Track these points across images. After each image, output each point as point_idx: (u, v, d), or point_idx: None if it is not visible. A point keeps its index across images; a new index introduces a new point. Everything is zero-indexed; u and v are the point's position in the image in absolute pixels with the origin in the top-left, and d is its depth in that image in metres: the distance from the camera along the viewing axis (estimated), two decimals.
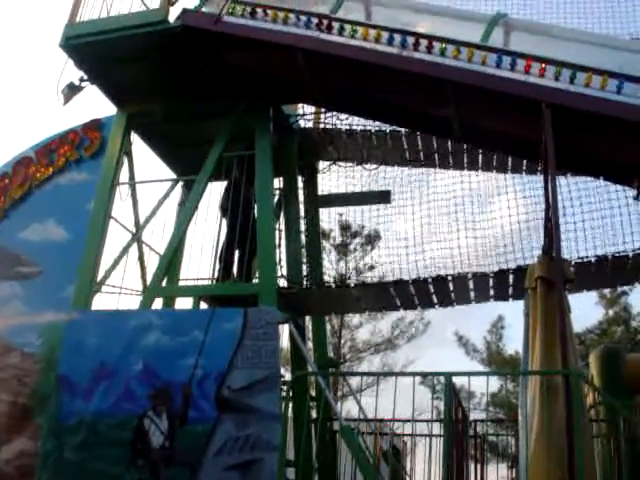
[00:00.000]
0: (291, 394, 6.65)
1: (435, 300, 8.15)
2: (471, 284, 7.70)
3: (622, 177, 7.01)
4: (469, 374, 6.06)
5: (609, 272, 7.20)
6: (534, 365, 5.71)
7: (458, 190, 8.60)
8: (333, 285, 8.83)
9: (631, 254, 6.98)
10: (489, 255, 8.00)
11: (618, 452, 7.02)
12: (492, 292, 7.89)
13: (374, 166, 9.25)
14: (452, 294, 7.95)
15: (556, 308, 5.56)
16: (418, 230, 8.45)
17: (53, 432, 7.29)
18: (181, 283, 9.13)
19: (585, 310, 24.95)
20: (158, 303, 8.38)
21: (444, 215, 8.50)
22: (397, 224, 8.89)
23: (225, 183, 8.67)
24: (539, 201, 7.56)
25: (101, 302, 8.33)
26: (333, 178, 9.61)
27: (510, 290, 7.76)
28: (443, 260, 8.10)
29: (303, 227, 9.44)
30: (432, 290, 7.84)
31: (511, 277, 7.51)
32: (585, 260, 7.09)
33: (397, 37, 7.03)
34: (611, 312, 25.62)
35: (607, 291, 25.05)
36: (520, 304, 6.75)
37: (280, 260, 8.42)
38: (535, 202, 8.02)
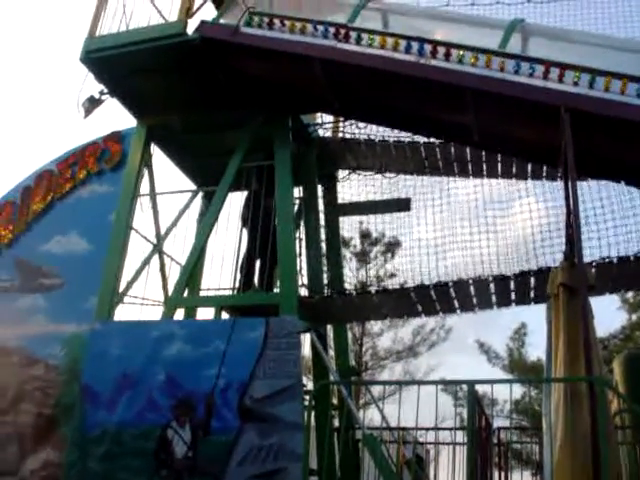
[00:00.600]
0: (313, 403, 6.63)
1: (456, 305, 8.11)
2: (492, 287, 7.66)
3: None
4: (492, 382, 6.02)
5: (631, 273, 7.12)
6: (558, 372, 5.66)
7: (479, 194, 8.57)
8: (354, 292, 8.80)
9: None
10: (511, 259, 7.95)
11: None
12: (513, 296, 7.84)
13: (393, 174, 9.25)
14: (474, 298, 7.91)
15: (579, 315, 5.51)
16: (439, 237, 8.43)
17: (77, 443, 7.33)
18: (202, 293, 9.17)
19: (608, 315, 24.78)
20: (180, 314, 8.41)
21: (464, 220, 8.46)
22: (417, 231, 8.88)
23: (246, 193, 8.70)
24: (560, 204, 7.52)
25: (123, 313, 8.41)
26: (353, 186, 9.63)
27: (532, 293, 7.71)
28: (464, 266, 8.07)
29: (323, 236, 9.44)
30: (453, 294, 7.81)
31: (532, 280, 7.45)
32: (607, 261, 7.03)
33: (415, 45, 7.02)
34: (634, 317, 25.39)
35: (630, 295, 24.84)
36: (542, 310, 6.71)
37: (301, 269, 8.42)
38: (555, 205, 7.98)
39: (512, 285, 7.62)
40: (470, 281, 7.57)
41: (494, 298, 7.90)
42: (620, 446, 6.93)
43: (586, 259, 6.45)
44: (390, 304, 8.11)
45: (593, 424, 5.00)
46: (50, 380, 8.15)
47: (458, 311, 8.28)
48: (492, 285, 7.62)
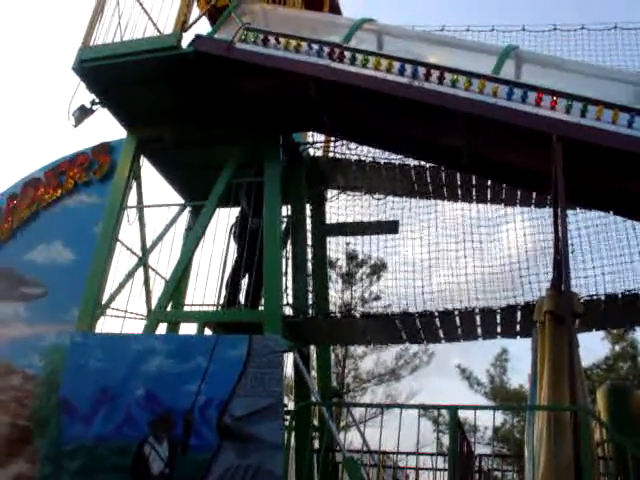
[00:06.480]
0: (294, 423, 6.55)
1: (441, 335, 8.05)
2: (478, 320, 7.61)
3: (633, 211, 6.96)
4: (475, 408, 5.96)
5: (619, 311, 7.11)
6: (542, 400, 5.62)
7: (467, 218, 8.57)
8: (339, 315, 8.73)
9: None
10: (497, 284, 7.93)
11: None
12: (499, 329, 7.80)
13: (382, 196, 9.22)
14: (459, 329, 7.86)
15: (565, 343, 5.48)
16: (425, 259, 8.40)
17: (52, 456, 7.16)
18: (186, 309, 9.08)
19: (591, 345, 24.86)
20: (162, 328, 8.32)
21: (452, 244, 8.43)
22: (404, 253, 8.83)
23: (238, 210, 8.65)
24: (547, 230, 7.54)
25: (105, 325, 8.30)
26: (341, 207, 9.58)
27: (517, 327, 7.67)
28: (450, 291, 8.03)
29: (310, 255, 9.38)
30: (438, 324, 7.75)
31: (519, 314, 7.42)
32: (595, 298, 7.01)
33: (409, 67, 7.03)
34: (617, 348, 25.43)
35: None
36: (526, 340, 6.65)
37: (286, 288, 8.36)
38: (543, 232, 8.00)
39: (498, 318, 7.58)
40: (456, 312, 7.53)
41: (480, 330, 7.85)
42: (602, 477, 6.87)
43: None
44: (375, 329, 8.02)
45: (576, 453, 4.96)
46: (27, 391, 8.03)
47: (443, 340, 8.23)
48: (478, 318, 7.57)
